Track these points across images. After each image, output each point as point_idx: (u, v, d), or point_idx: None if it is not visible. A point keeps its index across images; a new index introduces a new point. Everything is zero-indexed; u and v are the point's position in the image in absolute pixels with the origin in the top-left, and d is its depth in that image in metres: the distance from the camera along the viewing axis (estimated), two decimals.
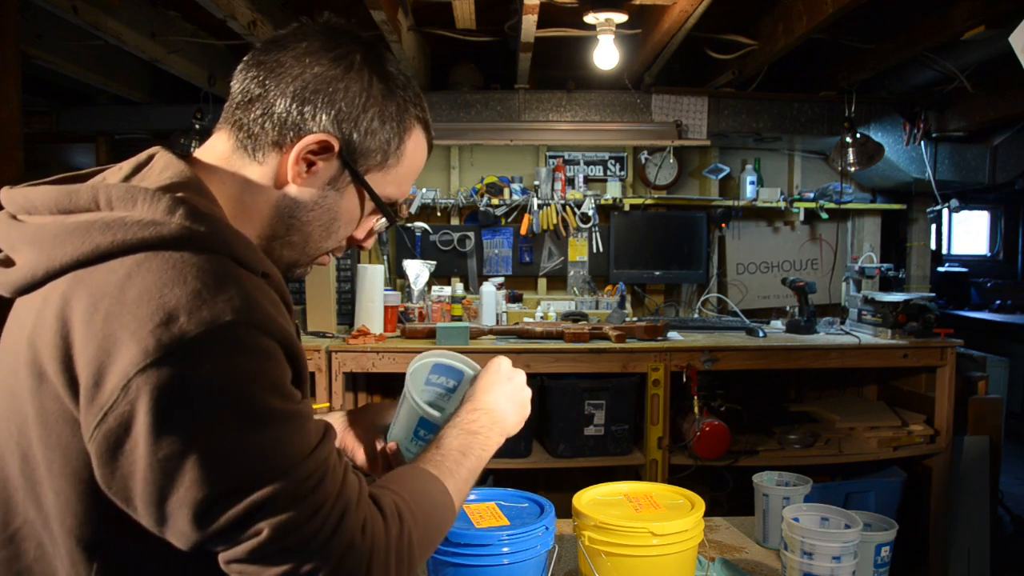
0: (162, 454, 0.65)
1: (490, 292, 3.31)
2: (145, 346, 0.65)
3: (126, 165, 0.82)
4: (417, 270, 3.48)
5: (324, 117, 0.82)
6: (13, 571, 0.75)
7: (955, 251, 7.51)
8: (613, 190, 3.80)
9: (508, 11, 3.00)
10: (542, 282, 3.89)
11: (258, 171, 0.84)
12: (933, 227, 4.54)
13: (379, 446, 1.11)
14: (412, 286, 3.51)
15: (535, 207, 3.71)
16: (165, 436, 0.65)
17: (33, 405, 0.71)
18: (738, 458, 3.08)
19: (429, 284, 3.57)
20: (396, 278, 3.76)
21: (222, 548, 0.68)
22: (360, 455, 1.13)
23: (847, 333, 3.34)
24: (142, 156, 0.83)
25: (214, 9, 2.39)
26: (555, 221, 3.74)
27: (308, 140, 0.82)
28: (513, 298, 3.66)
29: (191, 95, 3.58)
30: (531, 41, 2.90)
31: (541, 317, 3.47)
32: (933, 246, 4.58)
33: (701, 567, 1.42)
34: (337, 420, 1.17)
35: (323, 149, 0.83)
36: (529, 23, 2.65)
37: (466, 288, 3.79)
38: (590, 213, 3.73)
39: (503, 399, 1.08)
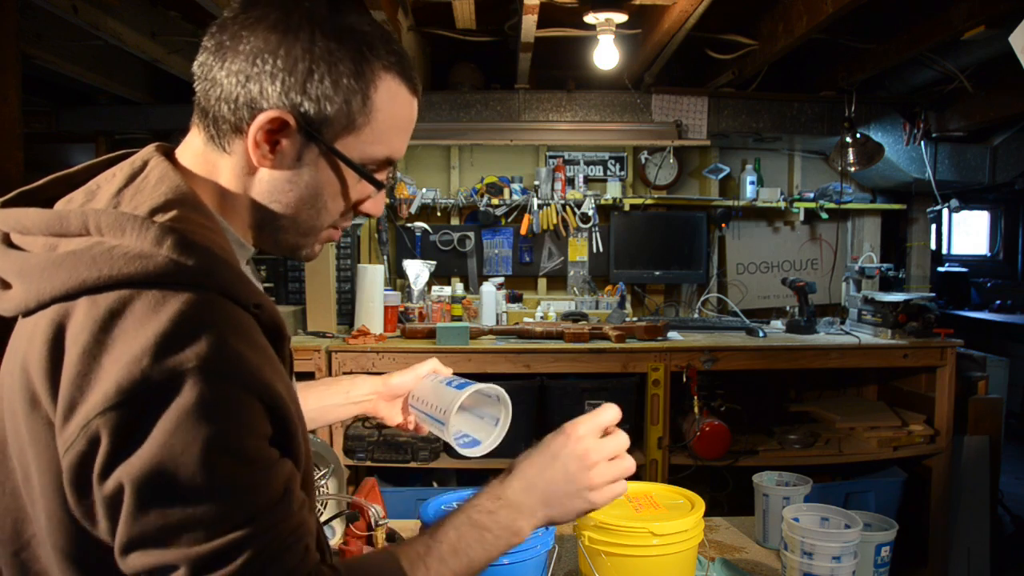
0: (106, 492, 0.67)
1: (490, 292, 3.31)
2: (108, 388, 0.65)
3: (119, 172, 0.80)
4: (417, 270, 3.48)
5: (272, 91, 0.77)
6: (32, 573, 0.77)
7: (955, 251, 7.50)
8: (613, 190, 3.80)
9: (508, 11, 3.00)
10: (542, 282, 3.89)
11: (230, 162, 0.81)
12: (933, 227, 4.53)
13: (407, 420, 1.21)
14: (412, 286, 3.51)
15: (535, 207, 3.71)
16: (111, 475, 0.66)
17: (27, 427, 0.72)
18: (738, 458, 3.08)
19: (429, 284, 3.57)
20: (396, 278, 3.76)
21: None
22: (391, 421, 1.22)
23: (847, 333, 3.34)
24: (137, 161, 0.81)
25: (214, 9, 2.39)
26: (555, 221, 3.74)
27: (260, 120, 0.77)
28: (513, 298, 3.66)
29: (191, 95, 3.57)
30: (531, 41, 2.90)
31: (541, 317, 3.47)
32: (933, 246, 4.58)
33: (701, 567, 1.42)
34: (369, 386, 1.23)
35: (280, 126, 0.78)
36: (529, 23, 2.65)
37: (466, 288, 3.79)
38: (590, 213, 3.73)
39: (545, 491, 0.88)
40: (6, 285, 0.75)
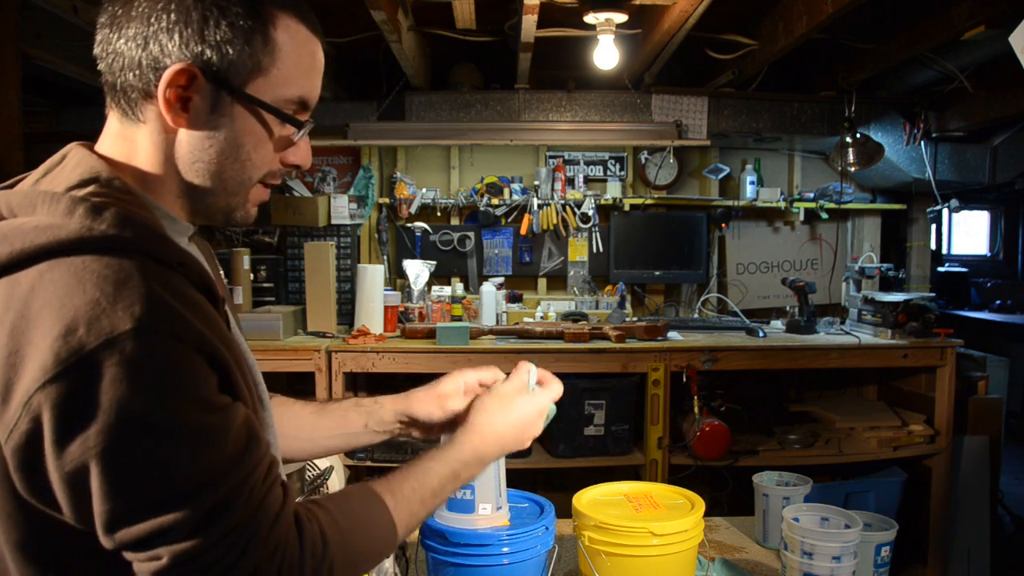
0: (68, 468, 0.65)
1: (490, 292, 3.31)
2: (44, 361, 0.64)
3: (42, 167, 0.80)
4: (417, 270, 3.48)
5: (171, 47, 0.76)
6: None
7: (955, 251, 7.51)
8: (613, 190, 3.80)
9: (508, 11, 3.00)
10: (542, 282, 3.89)
11: (145, 131, 0.80)
12: (933, 227, 4.53)
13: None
14: (412, 286, 3.51)
15: (535, 207, 3.71)
16: (67, 451, 0.65)
17: None
18: (738, 458, 3.08)
19: (429, 284, 3.57)
20: (396, 278, 3.76)
21: (132, 558, 0.68)
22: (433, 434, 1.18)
23: (847, 333, 3.34)
24: (57, 155, 0.81)
25: None
26: (555, 221, 3.74)
27: (166, 77, 0.76)
28: (513, 298, 3.66)
29: None
30: (531, 41, 2.90)
31: (541, 317, 3.47)
32: (933, 246, 4.58)
33: (701, 567, 1.42)
34: (392, 415, 1.18)
35: (188, 80, 0.77)
36: (529, 23, 2.65)
37: (466, 288, 3.79)
38: (590, 213, 3.73)
39: (504, 421, 1.06)
40: None
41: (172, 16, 0.76)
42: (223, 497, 0.68)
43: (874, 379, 3.71)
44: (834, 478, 3.45)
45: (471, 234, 3.75)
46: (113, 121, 0.83)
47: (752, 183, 3.84)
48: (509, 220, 3.78)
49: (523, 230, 3.72)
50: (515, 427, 1.06)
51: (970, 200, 6.66)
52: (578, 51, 3.31)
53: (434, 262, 3.56)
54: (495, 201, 3.69)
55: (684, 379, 3.04)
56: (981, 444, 3.29)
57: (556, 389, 1.14)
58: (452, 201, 3.72)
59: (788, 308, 3.71)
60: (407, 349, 2.96)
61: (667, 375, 3.03)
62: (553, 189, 3.73)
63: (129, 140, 0.81)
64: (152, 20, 0.77)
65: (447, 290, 3.58)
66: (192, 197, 0.84)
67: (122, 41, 0.78)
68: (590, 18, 2.75)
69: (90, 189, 0.74)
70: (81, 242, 0.68)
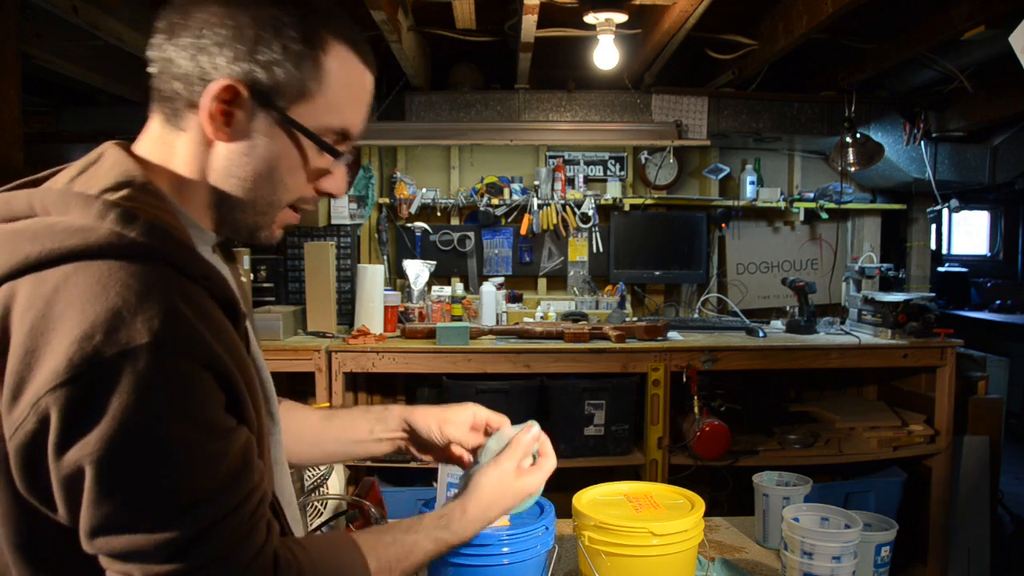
0: (65, 471, 0.65)
1: (490, 292, 3.31)
2: (58, 365, 0.64)
3: (76, 165, 0.80)
4: (417, 270, 3.48)
5: (221, 61, 0.77)
6: None
7: (955, 251, 7.51)
8: (613, 190, 3.80)
9: (508, 11, 3.00)
10: (542, 282, 3.89)
11: (185, 139, 0.81)
12: (933, 227, 4.54)
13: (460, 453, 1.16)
14: (412, 286, 3.51)
15: (535, 207, 3.71)
16: (67, 454, 0.65)
17: None
18: (738, 458, 3.08)
19: (429, 284, 3.57)
20: (396, 278, 3.76)
21: (106, 567, 0.68)
22: (426, 459, 1.17)
23: (847, 333, 3.34)
24: (93, 154, 0.81)
25: None
26: (555, 221, 3.74)
27: (212, 90, 0.77)
28: (513, 298, 3.66)
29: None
30: (531, 41, 2.90)
31: (541, 317, 3.47)
32: (933, 246, 4.58)
33: (701, 567, 1.42)
34: (397, 423, 1.17)
35: (232, 95, 0.78)
36: (529, 23, 2.65)
37: (466, 288, 3.79)
38: (590, 213, 3.73)
39: (497, 504, 1.02)
40: None
41: (226, 31, 0.77)
42: (206, 526, 0.68)
43: (874, 379, 3.71)
44: (834, 478, 3.45)
45: (471, 234, 3.75)
46: (155, 125, 0.83)
47: (752, 183, 3.84)
48: (509, 220, 3.78)
49: (523, 230, 3.72)
50: (504, 508, 1.04)
51: (970, 200, 6.67)
52: (578, 51, 3.31)
53: (434, 262, 3.57)
54: (495, 201, 3.69)
55: (684, 379, 3.04)
56: (981, 444, 3.28)
57: (549, 465, 1.09)
58: (452, 201, 3.72)
59: (788, 308, 3.71)
60: (407, 349, 2.96)
61: (667, 375, 3.03)
62: (553, 189, 3.73)
63: (168, 145, 0.82)
64: (206, 32, 0.77)
65: (447, 290, 3.58)
66: (221, 210, 0.84)
67: (174, 49, 0.78)
68: (590, 18, 2.75)
69: (123, 193, 0.74)
70: (110, 247, 0.68)
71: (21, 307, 0.67)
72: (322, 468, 1.59)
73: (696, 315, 3.84)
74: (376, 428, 1.17)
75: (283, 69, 0.78)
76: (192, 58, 0.78)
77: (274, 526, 0.76)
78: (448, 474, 1.23)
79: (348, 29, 0.83)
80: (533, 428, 1.08)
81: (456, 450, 1.16)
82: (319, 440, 1.16)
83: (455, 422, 1.15)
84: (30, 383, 0.65)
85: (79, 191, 0.73)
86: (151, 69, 0.81)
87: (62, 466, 0.65)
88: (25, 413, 0.65)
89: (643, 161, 3.87)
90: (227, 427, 0.71)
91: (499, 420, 1.16)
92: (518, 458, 1.04)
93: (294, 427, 1.13)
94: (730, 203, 3.83)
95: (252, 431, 0.76)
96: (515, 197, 3.70)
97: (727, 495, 3.34)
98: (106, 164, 0.78)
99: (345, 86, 0.83)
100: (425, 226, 3.71)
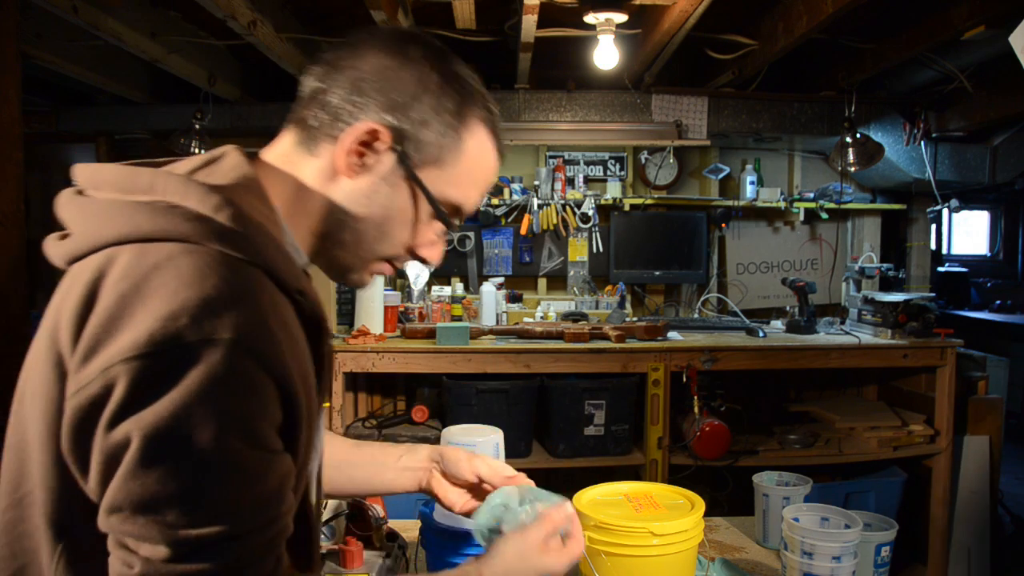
0: (111, 442, 0.65)
1: (490, 292, 3.31)
2: (138, 337, 0.64)
3: (197, 158, 0.82)
4: (417, 270, 3.48)
5: (375, 106, 0.81)
6: (16, 533, 0.75)
7: (955, 251, 7.50)
8: (613, 190, 3.80)
9: (508, 11, 3.00)
10: (542, 282, 3.89)
11: (314, 165, 0.83)
12: (933, 227, 4.53)
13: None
14: (412, 286, 3.51)
15: (535, 207, 3.71)
16: (118, 427, 0.65)
17: (45, 373, 0.71)
18: (738, 458, 3.08)
19: (429, 284, 3.57)
20: (396, 278, 3.76)
21: (111, 543, 0.68)
22: (448, 502, 1.14)
23: (847, 333, 3.34)
24: (216, 152, 0.83)
25: (214, 9, 2.39)
26: (555, 221, 3.74)
27: (357, 128, 0.81)
28: (513, 298, 3.66)
29: (191, 95, 3.58)
30: (531, 41, 2.90)
31: (541, 317, 3.47)
32: (933, 246, 4.58)
33: (701, 567, 1.42)
34: (425, 455, 1.15)
35: (373, 139, 0.81)
36: (529, 23, 2.65)
37: (466, 288, 3.79)
38: (590, 213, 3.73)
39: (519, 570, 0.95)
40: (66, 237, 0.76)
41: (389, 81, 0.81)
42: (224, 537, 0.67)
43: (874, 379, 3.71)
44: (834, 478, 3.45)
45: (471, 234, 3.75)
46: (286, 142, 0.86)
47: (752, 183, 3.84)
48: (509, 220, 3.78)
49: (523, 230, 3.72)
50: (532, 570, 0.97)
51: (970, 200, 6.67)
52: (578, 51, 3.31)
53: None
54: (495, 201, 3.69)
55: (684, 379, 3.04)
56: (981, 444, 3.29)
57: (576, 550, 1.00)
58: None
59: (788, 308, 3.71)
60: (407, 349, 2.96)
61: (667, 375, 3.03)
62: (553, 189, 3.73)
63: (295, 165, 0.84)
64: (371, 76, 0.81)
65: (447, 290, 3.58)
66: (325, 241, 0.86)
67: (333, 83, 0.82)
68: (590, 18, 2.75)
69: (240, 194, 0.76)
70: (218, 241, 0.70)
71: (117, 273, 0.68)
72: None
73: (696, 315, 3.84)
74: (404, 457, 1.16)
75: (429, 131, 0.82)
76: (347, 97, 0.81)
77: (283, 562, 0.74)
78: None
79: (494, 116, 0.88)
80: (567, 506, 1.02)
81: (485, 487, 1.12)
82: (342, 463, 1.15)
83: (488, 463, 1.13)
84: (105, 348, 0.65)
85: (200, 181, 0.75)
86: (302, 89, 0.85)
87: (111, 436, 0.65)
88: (93, 376, 0.65)
89: (643, 161, 3.87)
90: (273, 448, 0.71)
91: (523, 477, 1.12)
92: (546, 533, 0.97)
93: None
94: (730, 203, 3.83)
95: (296, 458, 0.75)
96: (515, 197, 3.70)
97: (727, 495, 3.34)
98: (227, 164, 0.80)
99: (475, 166, 0.87)
100: None
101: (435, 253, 0.91)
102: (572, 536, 1.00)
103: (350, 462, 1.16)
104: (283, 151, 0.85)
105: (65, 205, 0.78)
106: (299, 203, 0.84)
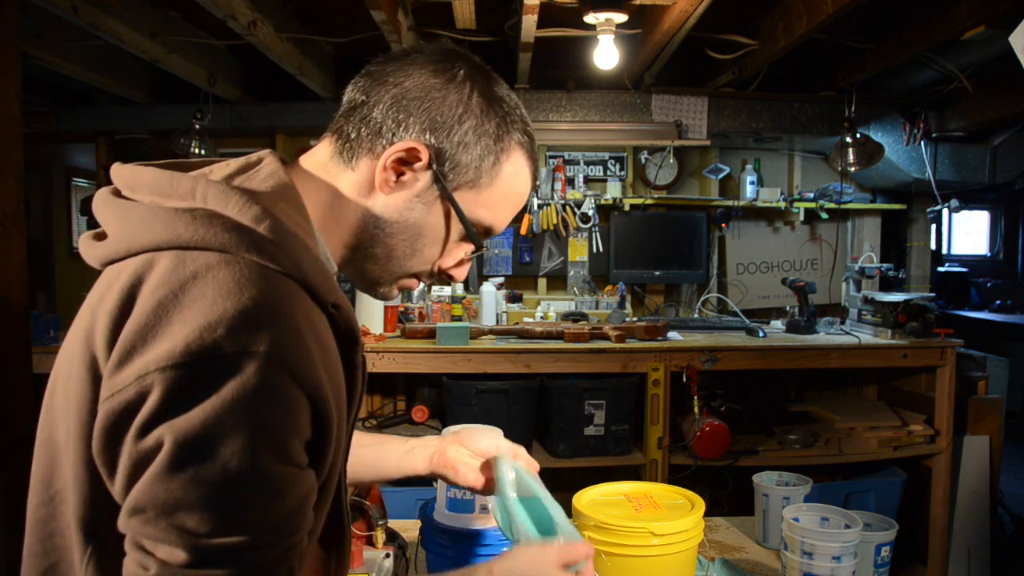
0: (141, 447, 0.65)
1: (490, 292, 3.31)
2: (174, 346, 0.65)
3: (234, 163, 0.83)
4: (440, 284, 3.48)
5: (417, 125, 0.81)
6: (48, 530, 0.76)
7: (955, 251, 7.51)
8: (613, 190, 3.80)
9: (508, 11, 3.00)
10: (542, 282, 3.89)
11: (351, 178, 0.84)
12: (933, 227, 4.54)
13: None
14: None
15: (535, 207, 3.71)
16: (150, 433, 0.65)
17: (78, 374, 0.71)
18: (738, 458, 3.08)
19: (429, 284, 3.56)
20: None
21: (128, 545, 0.68)
22: (464, 479, 1.13)
23: (847, 333, 3.34)
24: (252, 157, 0.84)
25: (214, 9, 2.39)
26: (555, 221, 3.74)
27: (397, 146, 0.81)
28: (513, 298, 3.66)
29: (191, 95, 3.58)
30: (531, 41, 2.90)
31: (541, 317, 3.47)
32: (933, 246, 4.58)
33: (701, 567, 1.42)
34: (434, 441, 1.16)
35: (413, 158, 0.82)
36: (529, 23, 2.65)
37: (466, 288, 3.79)
38: (590, 213, 3.73)
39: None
40: (101, 236, 0.77)
41: (433, 102, 0.82)
42: (242, 548, 0.67)
43: (874, 379, 3.71)
44: (834, 478, 3.45)
45: None
46: (324, 152, 0.86)
47: (752, 183, 3.84)
48: None
49: (523, 230, 3.72)
50: None
51: (970, 200, 6.67)
52: (578, 51, 3.31)
53: None
54: None
55: (684, 379, 3.04)
56: (981, 444, 3.29)
57: None
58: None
59: (788, 308, 3.71)
60: (407, 349, 2.96)
61: (667, 375, 3.03)
62: (553, 189, 3.73)
63: (332, 176, 0.85)
64: (415, 93, 0.82)
65: (447, 290, 3.57)
66: (355, 253, 0.86)
67: (376, 98, 0.82)
68: (590, 18, 2.75)
69: (278, 204, 0.76)
70: (257, 252, 0.70)
71: (156, 280, 0.68)
72: None
73: (696, 315, 3.84)
74: (416, 446, 1.16)
75: (468, 154, 0.83)
76: (391, 112, 0.82)
77: (296, 571, 0.75)
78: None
79: (532, 141, 0.89)
80: (590, 549, 0.97)
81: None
82: (352, 448, 1.14)
83: (508, 443, 1.14)
84: (141, 354, 0.66)
85: (240, 187, 0.75)
86: (344, 100, 0.85)
87: (143, 442, 0.65)
88: (128, 381, 0.66)
89: (643, 161, 3.87)
90: (300, 463, 0.71)
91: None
92: (565, 555, 0.93)
93: None
94: (730, 203, 3.83)
95: (321, 472, 0.75)
96: None
97: (727, 495, 3.34)
98: (264, 171, 0.81)
99: (509, 190, 0.88)
100: None
101: (461, 272, 0.92)
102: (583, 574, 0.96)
103: (359, 444, 1.16)
104: (321, 160, 0.86)
105: (103, 206, 0.78)
106: (333, 214, 0.84)
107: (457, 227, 0.86)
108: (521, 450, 1.14)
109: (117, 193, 0.79)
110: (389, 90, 0.82)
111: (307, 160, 0.87)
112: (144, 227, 0.72)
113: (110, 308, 0.69)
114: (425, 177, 0.83)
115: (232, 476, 0.65)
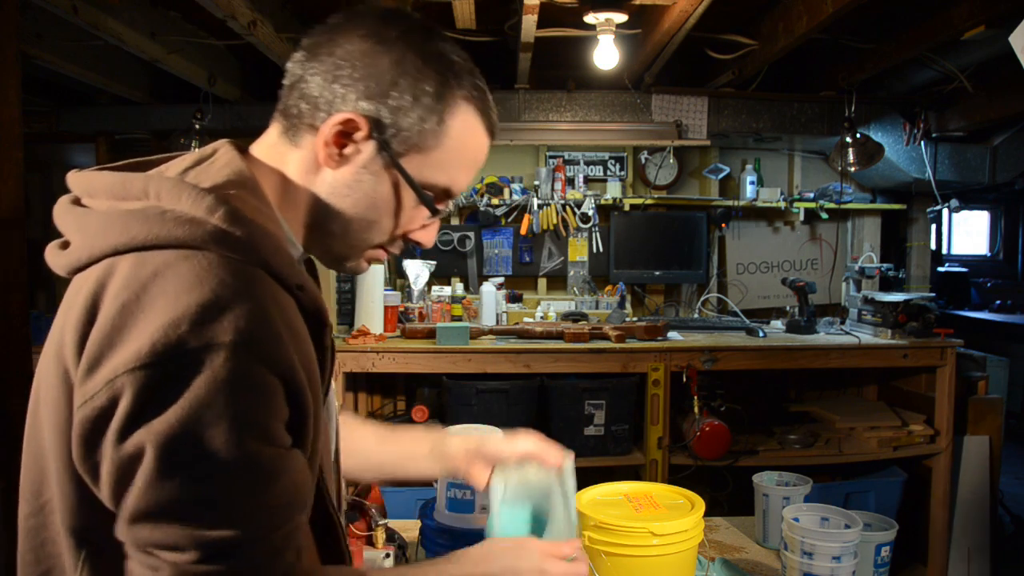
0: (124, 453, 0.65)
1: (490, 292, 3.31)
2: (140, 347, 0.64)
3: (189, 157, 0.82)
4: (417, 270, 3.48)
5: (353, 95, 0.79)
6: (39, 539, 0.76)
7: (955, 251, 7.50)
8: (613, 190, 3.80)
9: (508, 11, 3.00)
10: (542, 282, 3.89)
11: (297, 156, 0.83)
12: (933, 227, 4.54)
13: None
14: (412, 286, 3.51)
15: (535, 207, 3.71)
16: (129, 438, 0.65)
17: (53, 385, 0.71)
18: (738, 458, 3.08)
19: (429, 284, 3.56)
20: (396, 278, 3.76)
21: (133, 550, 0.68)
22: (482, 485, 1.11)
23: (847, 333, 3.34)
24: (208, 149, 0.83)
25: (214, 9, 2.39)
26: (555, 221, 3.74)
27: (334, 119, 0.79)
28: (513, 298, 3.66)
29: (191, 95, 3.58)
30: (531, 41, 2.90)
31: (541, 317, 3.47)
32: (933, 246, 4.58)
33: (701, 567, 1.42)
34: (460, 443, 1.13)
35: (352, 129, 0.80)
36: (529, 23, 2.65)
37: (466, 288, 3.79)
38: (590, 213, 3.73)
39: (511, 556, 0.93)
40: (65, 245, 0.77)
41: (365, 68, 0.79)
42: (250, 535, 0.68)
43: (874, 379, 3.71)
44: (834, 478, 3.45)
45: (471, 234, 3.75)
46: (273, 133, 0.85)
47: (752, 183, 3.84)
48: (509, 220, 3.78)
49: (523, 230, 3.72)
50: (507, 565, 0.92)
51: (970, 200, 6.66)
52: (578, 51, 3.30)
53: (434, 262, 3.56)
54: (495, 201, 3.69)
55: (684, 379, 3.04)
56: (981, 444, 3.28)
57: (580, 570, 0.96)
58: (452, 201, 3.71)
59: (788, 308, 3.71)
60: (407, 349, 2.96)
61: (667, 375, 3.03)
62: (553, 189, 3.73)
63: (280, 157, 0.84)
64: (345, 64, 0.79)
65: (447, 290, 3.58)
66: (315, 232, 0.85)
67: (311, 72, 0.80)
68: (590, 18, 2.75)
69: (233, 193, 0.76)
70: (214, 243, 0.70)
71: (117, 284, 0.68)
72: None
73: (696, 315, 3.84)
74: (436, 446, 1.14)
75: (408, 118, 0.80)
76: (326, 84, 0.79)
77: (303, 553, 0.76)
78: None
79: (481, 91, 0.85)
80: (576, 541, 0.99)
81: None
82: (369, 452, 1.14)
83: (533, 441, 1.11)
84: (109, 359, 0.66)
85: (192, 182, 0.75)
86: (284, 80, 0.83)
87: (123, 448, 0.65)
88: (98, 387, 0.66)
89: (643, 161, 3.87)
90: (284, 443, 0.71)
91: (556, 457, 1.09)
92: (553, 549, 0.94)
93: (349, 443, 1.11)
94: (730, 203, 3.83)
95: (306, 452, 0.75)
96: (515, 197, 3.70)
97: (727, 495, 3.34)
98: (220, 162, 0.80)
99: (461, 148, 0.84)
100: None
101: (428, 236, 0.90)
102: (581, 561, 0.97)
103: (377, 451, 1.16)
104: (270, 143, 0.85)
105: (63, 215, 0.78)
106: (288, 195, 0.83)
107: (411, 194, 0.83)
108: (547, 452, 1.08)
109: (77, 201, 0.79)
110: (323, 61, 0.80)
111: (258, 145, 0.86)
112: (102, 233, 0.72)
113: (76, 317, 0.69)
114: (369, 147, 0.81)
115: (222, 467, 0.66)
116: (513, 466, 1.08)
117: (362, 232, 0.85)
